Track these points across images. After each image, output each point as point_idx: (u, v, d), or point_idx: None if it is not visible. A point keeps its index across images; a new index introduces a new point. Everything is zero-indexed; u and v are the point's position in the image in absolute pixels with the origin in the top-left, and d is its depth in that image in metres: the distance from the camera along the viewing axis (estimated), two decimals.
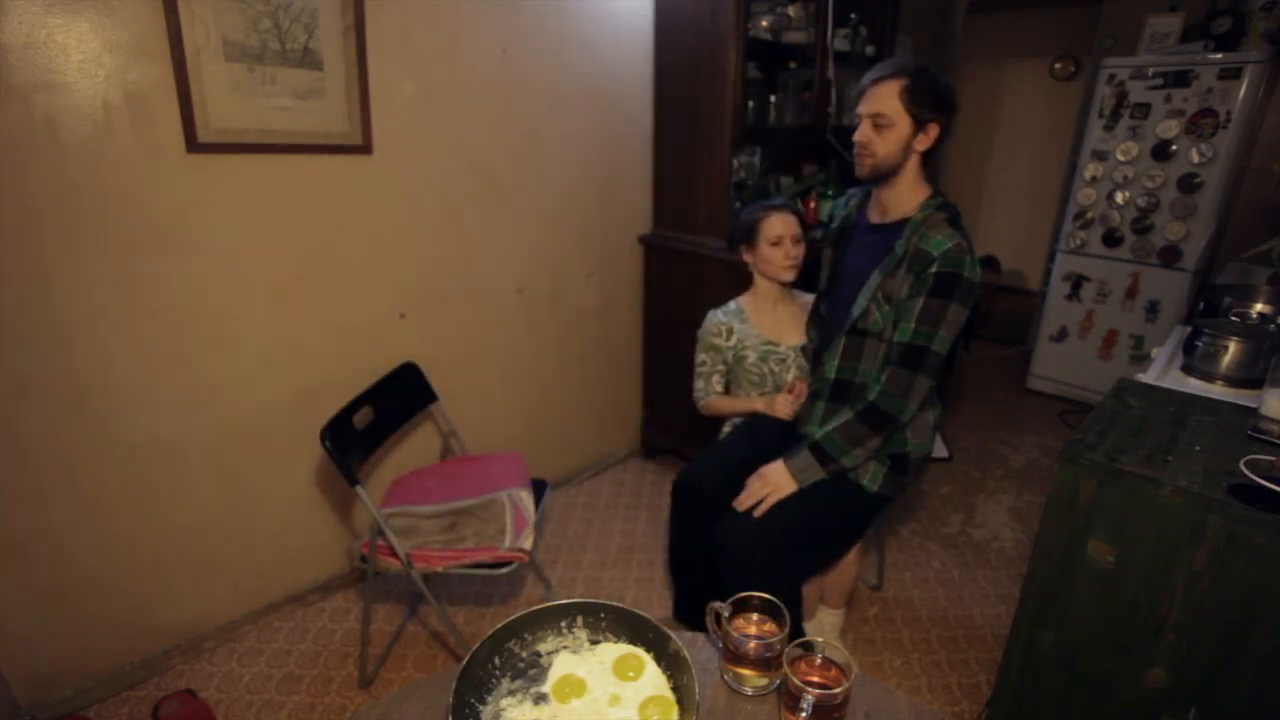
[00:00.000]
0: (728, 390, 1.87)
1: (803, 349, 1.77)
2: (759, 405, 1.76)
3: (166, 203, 1.49)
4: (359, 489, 1.48)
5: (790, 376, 1.77)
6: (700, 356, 1.84)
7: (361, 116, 1.71)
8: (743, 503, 1.46)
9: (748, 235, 1.77)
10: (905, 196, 1.45)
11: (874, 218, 1.52)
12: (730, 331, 1.80)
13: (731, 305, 1.84)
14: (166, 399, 1.59)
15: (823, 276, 1.66)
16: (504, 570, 1.53)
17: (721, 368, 1.82)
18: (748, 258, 1.81)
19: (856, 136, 1.42)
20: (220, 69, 1.48)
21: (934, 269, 1.34)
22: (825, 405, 1.53)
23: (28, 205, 1.33)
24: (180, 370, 1.60)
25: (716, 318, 1.82)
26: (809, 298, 1.80)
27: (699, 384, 1.85)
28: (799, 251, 1.75)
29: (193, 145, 1.48)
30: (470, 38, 1.90)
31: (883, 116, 1.37)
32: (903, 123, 1.38)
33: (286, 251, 1.70)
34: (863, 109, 1.40)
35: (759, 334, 1.79)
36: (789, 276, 1.77)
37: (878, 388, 1.40)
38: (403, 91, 1.79)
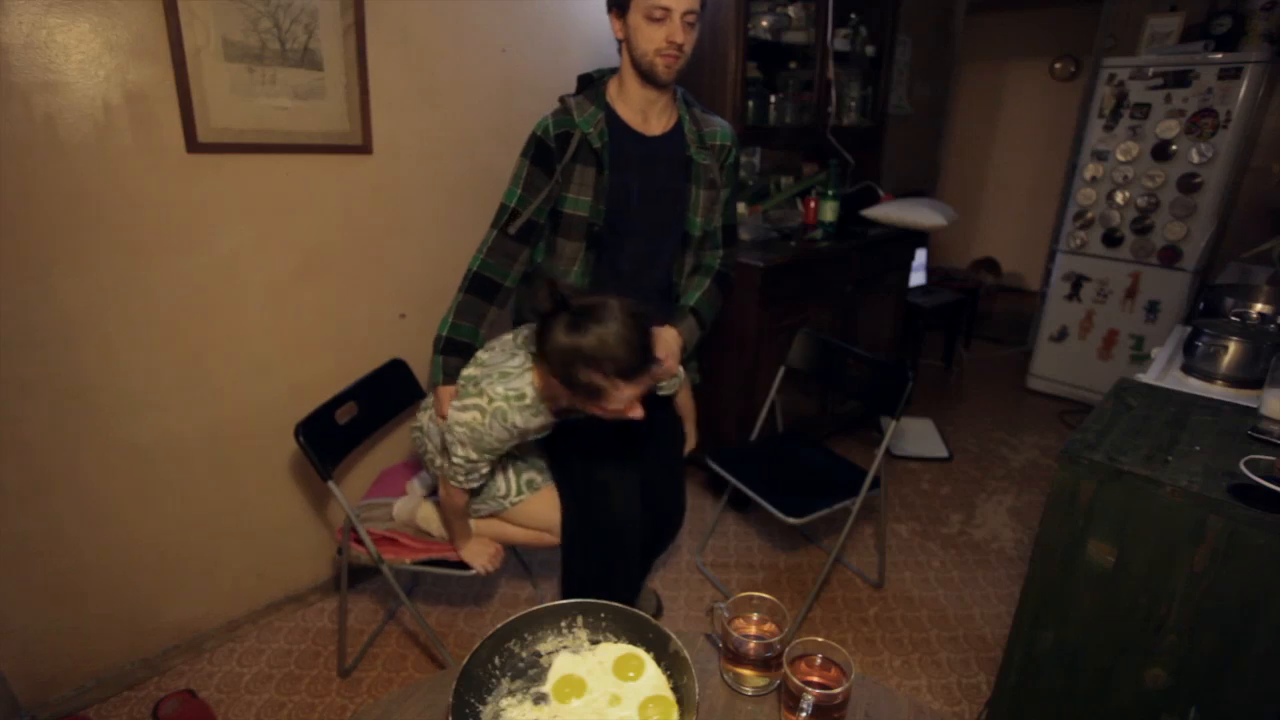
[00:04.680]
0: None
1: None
2: (460, 546, 1.52)
3: (167, 202, 1.49)
4: (331, 484, 1.47)
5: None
6: (469, 456, 1.29)
7: (361, 116, 1.72)
8: (664, 372, 1.42)
9: (587, 396, 1.16)
10: (668, 98, 1.47)
11: (641, 129, 1.46)
12: (524, 433, 1.31)
13: (527, 394, 1.25)
14: (168, 398, 1.59)
15: (596, 208, 1.43)
16: (473, 572, 1.52)
17: (493, 457, 1.36)
18: (551, 381, 1.19)
19: (675, 36, 1.32)
20: (220, 69, 1.48)
21: (732, 159, 1.54)
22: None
23: (29, 205, 1.33)
24: (181, 369, 1.60)
25: (509, 419, 1.25)
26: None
27: (457, 468, 1.32)
28: (640, 393, 1.19)
29: (193, 145, 1.48)
30: (470, 37, 1.90)
31: (692, 14, 1.33)
32: (699, 12, 1.35)
33: (286, 251, 1.70)
34: (672, 4, 1.30)
35: (551, 421, 1.34)
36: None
37: (717, 261, 1.59)
38: (403, 91, 1.79)
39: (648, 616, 0.85)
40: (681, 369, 1.53)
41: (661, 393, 1.51)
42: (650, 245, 1.53)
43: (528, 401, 1.26)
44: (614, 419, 1.22)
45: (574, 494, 1.53)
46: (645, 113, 1.46)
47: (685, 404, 1.67)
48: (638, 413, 1.19)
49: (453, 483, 1.37)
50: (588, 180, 1.43)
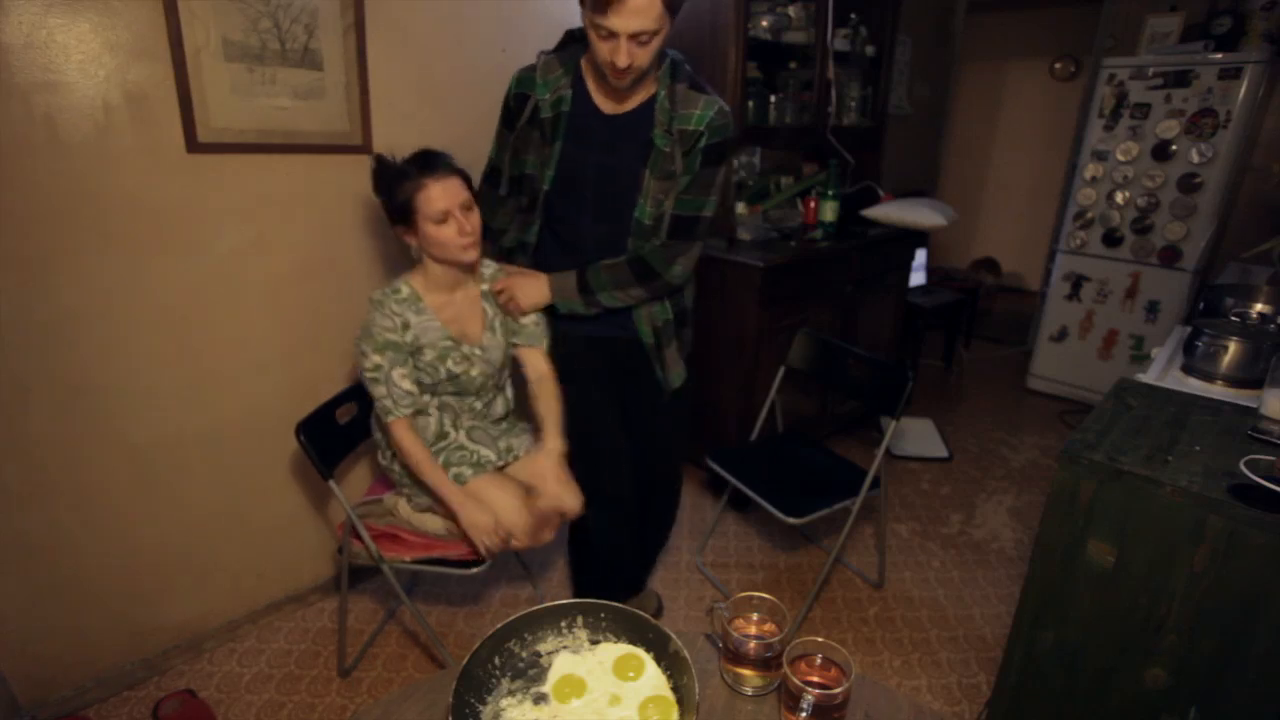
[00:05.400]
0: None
1: (515, 247, 1.55)
2: (455, 506, 1.46)
3: (167, 202, 1.49)
4: (332, 483, 1.48)
5: (475, 372, 1.50)
6: (372, 360, 1.40)
7: (361, 116, 1.72)
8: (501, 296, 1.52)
9: (402, 214, 1.37)
10: (644, 83, 1.37)
11: (605, 108, 1.40)
12: (406, 325, 1.42)
13: (403, 289, 1.43)
14: (168, 398, 1.59)
15: (544, 173, 1.44)
16: (474, 570, 1.52)
17: (405, 368, 1.42)
18: (410, 240, 1.41)
19: (617, 60, 1.21)
20: (220, 69, 1.48)
21: (704, 143, 1.37)
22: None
23: (28, 205, 1.33)
24: (181, 370, 1.60)
25: (388, 306, 1.40)
26: (492, 269, 1.56)
27: (379, 391, 1.41)
28: (474, 223, 1.39)
29: (193, 145, 1.48)
30: (470, 38, 1.90)
31: (645, 33, 1.20)
32: (664, 25, 1.22)
33: (286, 251, 1.70)
34: (616, 25, 1.17)
35: (440, 327, 1.45)
36: (470, 257, 1.40)
37: (652, 245, 1.45)
38: (403, 91, 1.79)
39: (648, 616, 0.85)
40: (538, 320, 1.56)
41: (516, 340, 1.57)
42: (611, 225, 1.46)
43: (404, 295, 1.42)
44: (457, 253, 1.37)
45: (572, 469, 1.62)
46: (615, 96, 1.39)
47: (540, 385, 1.56)
48: (470, 224, 1.37)
49: (386, 416, 1.43)
50: (541, 147, 1.42)
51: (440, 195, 1.34)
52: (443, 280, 1.46)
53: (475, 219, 1.39)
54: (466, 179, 1.40)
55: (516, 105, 1.42)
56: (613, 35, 1.20)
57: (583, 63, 1.39)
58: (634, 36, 1.20)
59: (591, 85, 1.40)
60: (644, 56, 1.24)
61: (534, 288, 1.49)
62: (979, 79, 5.32)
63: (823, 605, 2.01)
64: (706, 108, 1.37)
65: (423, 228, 1.36)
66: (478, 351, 1.51)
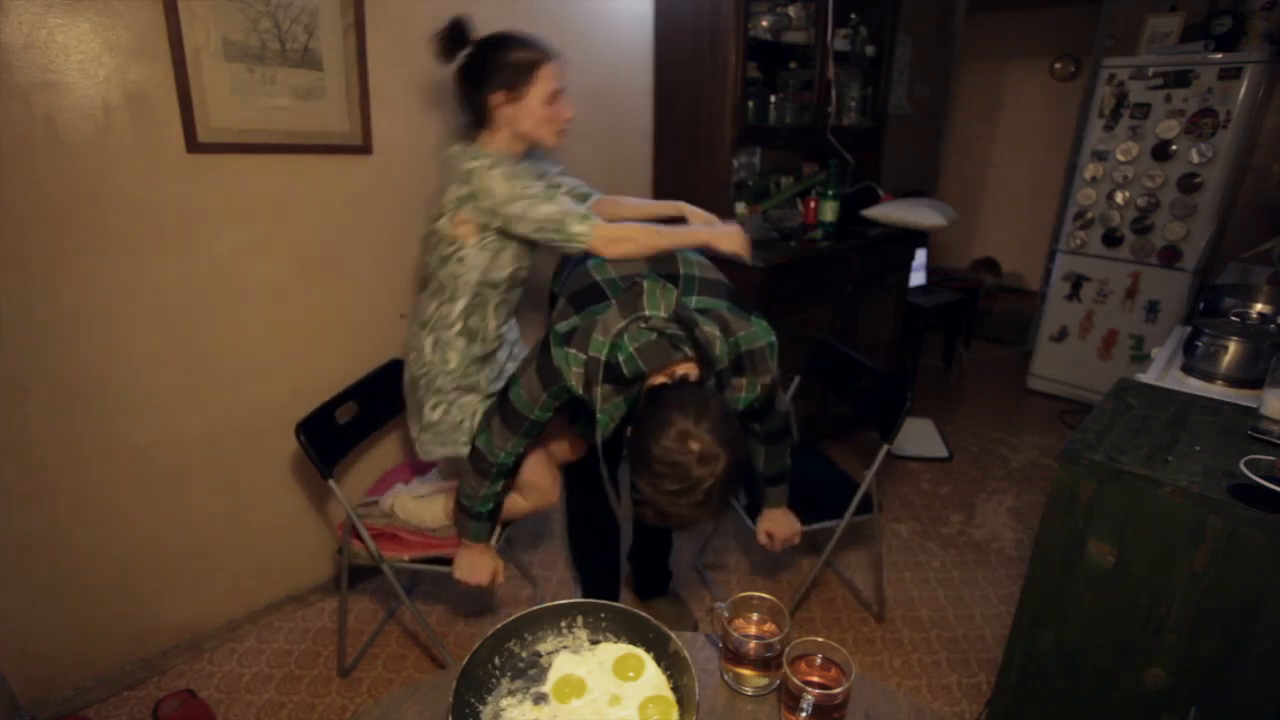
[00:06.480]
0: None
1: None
2: (705, 236, 1.46)
3: (167, 202, 1.49)
4: (332, 483, 1.48)
5: None
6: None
7: (361, 116, 1.72)
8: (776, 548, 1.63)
9: (516, 78, 1.36)
10: None
11: None
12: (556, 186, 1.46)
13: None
14: (167, 399, 1.59)
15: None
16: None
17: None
18: (505, 108, 1.37)
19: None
20: (220, 69, 1.48)
21: (758, 407, 1.31)
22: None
23: (28, 205, 1.33)
24: (181, 370, 1.60)
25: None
26: None
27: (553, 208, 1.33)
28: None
29: (193, 145, 1.48)
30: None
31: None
32: None
33: (286, 251, 1.70)
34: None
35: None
36: (558, 141, 1.45)
37: (776, 421, 1.46)
38: (403, 91, 1.79)
39: (647, 616, 0.85)
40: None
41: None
42: None
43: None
44: (551, 135, 1.42)
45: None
46: None
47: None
48: (570, 112, 1.44)
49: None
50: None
51: (560, 74, 1.41)
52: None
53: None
54: None
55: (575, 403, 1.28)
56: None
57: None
58: None
59: None
60: None
61: (786, 522, 1.63)
62: (979, 79, 5.32)
63: (823, 605, 2.01)
64: (750, 390, 1.26)
65: (531, 98, 1.38)
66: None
